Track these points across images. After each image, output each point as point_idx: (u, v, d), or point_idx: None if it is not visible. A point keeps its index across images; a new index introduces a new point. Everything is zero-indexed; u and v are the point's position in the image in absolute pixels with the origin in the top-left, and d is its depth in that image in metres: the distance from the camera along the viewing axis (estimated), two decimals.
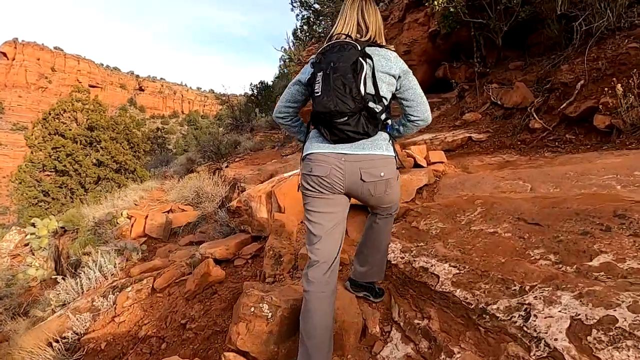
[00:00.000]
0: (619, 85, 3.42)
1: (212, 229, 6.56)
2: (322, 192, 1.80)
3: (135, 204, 10.56)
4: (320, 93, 1.63)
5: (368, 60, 1.68)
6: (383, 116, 1.77)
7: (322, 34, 14.85)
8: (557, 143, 4.09)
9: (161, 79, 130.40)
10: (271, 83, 21.49)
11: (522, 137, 4.49)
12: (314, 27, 15.77)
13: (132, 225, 8.69)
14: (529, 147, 4.33)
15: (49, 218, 12.08)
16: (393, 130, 1.95)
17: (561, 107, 4.17)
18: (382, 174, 1.75)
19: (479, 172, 4.01)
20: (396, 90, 1.80)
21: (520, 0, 5.21)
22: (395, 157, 1.83)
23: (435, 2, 5.19)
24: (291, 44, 16.83)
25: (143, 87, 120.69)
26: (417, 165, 4.25)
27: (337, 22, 1.85)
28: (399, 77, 1.77)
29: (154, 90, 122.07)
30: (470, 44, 6.44)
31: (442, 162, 4.35)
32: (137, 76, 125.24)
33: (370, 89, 1.70)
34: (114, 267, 5.34)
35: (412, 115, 1.83)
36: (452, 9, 5.38)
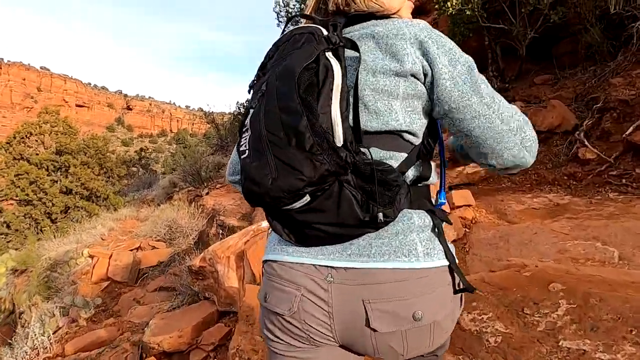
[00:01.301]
0: None
1: (180, 280, 5.42)
2: (289, 345, 0.83)
3: (102, 239, 9.35)
4: (247, 152, 0.77)
5: (350, 53, 0.76)
6: (411, 173, 0.83)
7: None
8: (624, 180, 3.08)
9: (149, 97, 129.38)
10: None
11: (570, 171, 3.48)
12: None
13: (93, 267, 7.51)
14: (582, 184, 3.32)
15: (9, 253, 10.84)
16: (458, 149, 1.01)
17: (626, 132, 3.17)
18: (417, 313, 0.76)
19: (525, 222, 2.96)
20: (433, 109, 0.80)
21: (551, 0, 4.26)
22: (449, 266, 0.81)
23: (448, 4, 4.25)
24: None
25: (131, 106, 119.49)
26: None
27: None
28: (426, 74, 0.76)
29: (142, 109, 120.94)
30: (483, 55, 5.49)
31: (469, 206, 3.31)
32: (126, 95, 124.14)
33: (367, 120, 0.78)
34: (48, 338, 4.17)
35: (482, 160, 0.82)
36: (468, 12, 4.44)
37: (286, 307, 0.80)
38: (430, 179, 0.86)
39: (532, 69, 5.33)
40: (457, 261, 0.85)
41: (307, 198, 0.71)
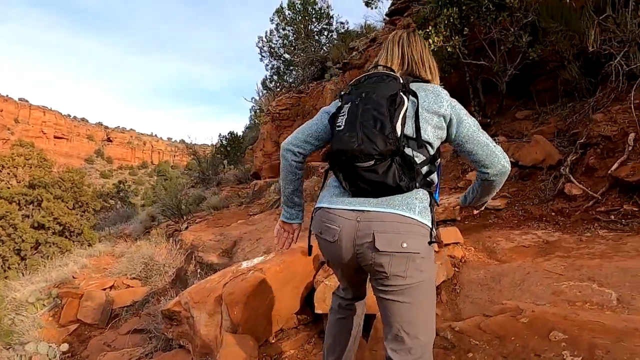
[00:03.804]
0: None
1: (154, 321, 5.10)
2: (333, 263, 1.53)
3: (74, 277, 8.86)
4: (342, 127, 1.32)
5: (412, 97, 1.35)
6: (424, 169, 1.38)
7: (293, 84, 14.13)
8: (612, 217, 3.04)
9: (131, 129, 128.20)
10: (241, 134, 20.63)
11: (557, 206, 3.44)
12: (285, 77, 15.09)
13: (62, 308, 7.08)
14: (570, 220, 3.27)
15: None
16: (467, 198, 1.67)
17: (612, 168, 3.16)
18: (404, 244, 1.28)
19: (516, 261, 2.86)
20: (451, 141, 1.43)
21: (529, 39, 4.36)
22: (431, 228, 1.34)
23: (430, 40, 4.31)
24: (261, 94, 16.11)
25: (111, 138, 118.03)
26: None
27: (378, 56, 1.59)
28: (450, 120, 1.39)
29: (122, 141, 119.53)
30: (465, 91, 5.56)
31: (458, 243, 3.20)
32: (106, 127, 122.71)
33: (411, 131, 1.35)
34: None
35: (481, 172, 1.43)
36: (449, 49, 4.50)
37: (331, 237, 1.37)
38: (433, 176, 1.43)
39: (512, 104, 5.40)
40: (437, 226, 1.48)
41: (372, 162, 1.25)
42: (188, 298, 3.02)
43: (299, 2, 14.61)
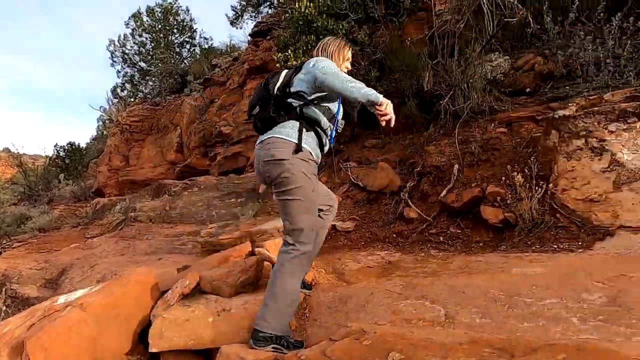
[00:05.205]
0: (519, 174, 2.89)
1: None
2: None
3: None
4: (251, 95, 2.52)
5: (293, 71, 2.26)
6: (298, 109, 2.13)
7: (149, 95, 13.09)
8: (442, 238, 3.40)
9: None
10: (85, 145, 18.16)
11: (398, 229, 3.72)
12: (139, 86, 13.92)
13: None
14: (408, 241, 3.55)
15: None
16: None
17: (441, 195, 3.55)
18: (274, 155, 2.04)
19: (362, 282, 2.95)
20: (317, 81, 2.08)
21: (377, 74, 4.76)
22: (296, 143, 2.05)
23: (289, 64, 4.39)
24: (111, 102, 14.55)
25: None
26: None
27: None
28: (313, 70, 2.10)
29: None
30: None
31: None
32: None
33: (293, 89, 2.16)
34: None
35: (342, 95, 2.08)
36: None
37: (254, 162, 2.26)
38: (313, 114, 2.15)
39: (362, 132, 5.80)
40: (302, 141, 2.08)
41: (257, 108, 2.23)
42: None
43: (159, 10, 13.78)
